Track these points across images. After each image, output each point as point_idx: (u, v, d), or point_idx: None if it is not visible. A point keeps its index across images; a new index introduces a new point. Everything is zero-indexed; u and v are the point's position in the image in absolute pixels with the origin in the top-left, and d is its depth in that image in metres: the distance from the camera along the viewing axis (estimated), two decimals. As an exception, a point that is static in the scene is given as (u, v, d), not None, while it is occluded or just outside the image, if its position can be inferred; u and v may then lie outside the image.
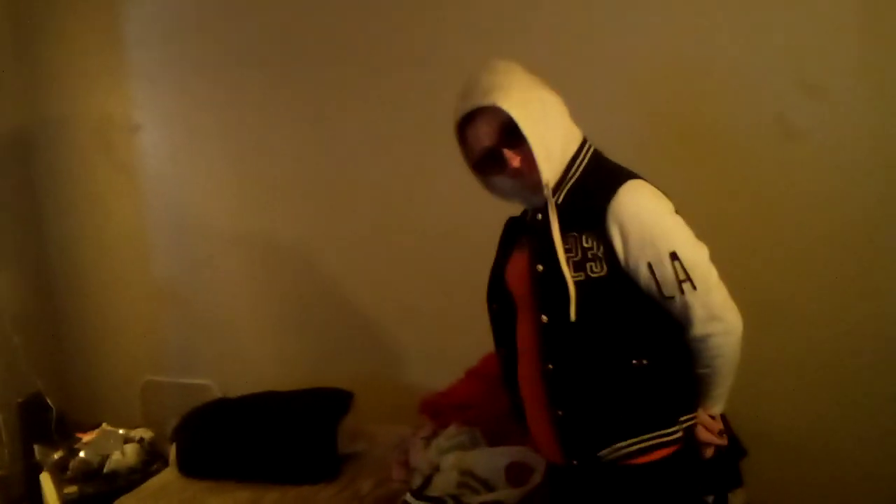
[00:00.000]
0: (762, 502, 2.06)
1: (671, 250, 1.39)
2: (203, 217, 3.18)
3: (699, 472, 1.53)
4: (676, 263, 1.39)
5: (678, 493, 1.50)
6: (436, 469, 2.08)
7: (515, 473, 2.00)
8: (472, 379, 2.39)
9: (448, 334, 2.75)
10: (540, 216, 1.48)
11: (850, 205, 2.25)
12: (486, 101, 1.44)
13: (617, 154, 1.55)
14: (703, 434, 1.50)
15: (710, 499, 1.61)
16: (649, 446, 1.44)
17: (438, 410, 2.37)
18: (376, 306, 2.94)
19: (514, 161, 1.47)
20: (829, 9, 2.19)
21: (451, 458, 2.08)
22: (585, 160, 1.50)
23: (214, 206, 3.16)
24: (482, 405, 2.26)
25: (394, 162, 2.79)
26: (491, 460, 2.05)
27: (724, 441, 1.52)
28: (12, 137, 3.42)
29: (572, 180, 1.48)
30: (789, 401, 2.32)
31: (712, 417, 1.52)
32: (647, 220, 1.41)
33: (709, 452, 1.52)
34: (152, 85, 3.18)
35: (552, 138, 1.46)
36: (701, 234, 1.53)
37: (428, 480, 2.04)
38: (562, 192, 1.47)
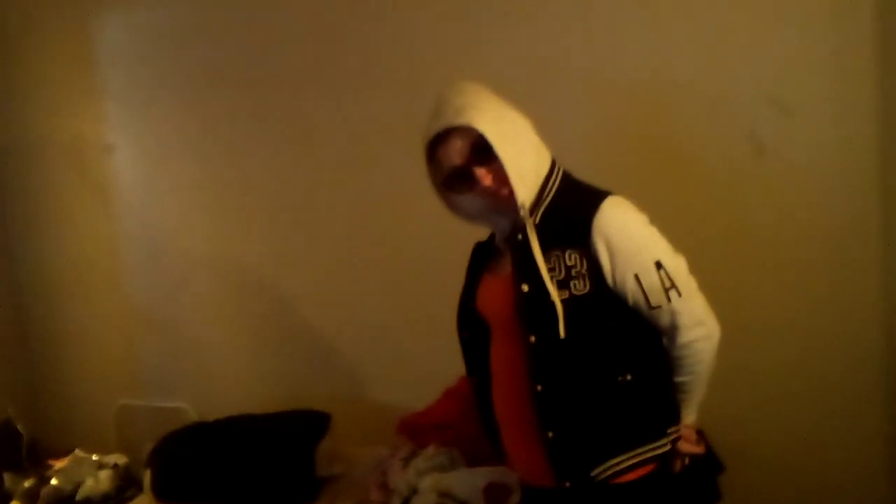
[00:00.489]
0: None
1: (656, 259, 1.43)
2: (177, 238, 3.16)
3: (678, 489, 1.53)
4: (662, 272, 1.42)
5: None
6: (414, 491, 2.07)
7: (494, 494, 1.99)
8: (451, 398, 2.38)
9: (425, 354, 2.73)
10: (520, 236, 1.48)
11: (821, 219, 2.28)
12: (460, 121, 1.45)
13: (587, 172, 1.57)
14: (683, 445, 1.50)
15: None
16: (640, 461, 1.45)
17: (416, 431, 2.36)
18: (353, 327, 2.93)
19: (486, 180, 1.47)
20: (799, 28, 2.23)
21: (429, 479, 2.08)
22: (558, 180, 1.52)
23: (188, 227, 3.14)
24: (460, 425, 2.26)
25: (368, 183, 2.79)
26: (469, 481, 2.04)
27: (702, 449, 1.54)
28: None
29: (547, 199, 1.49)
30: (767, 414, 2.33)
31: (688, 428, 1.53)
32: (633, 232, 1.44)
33: (679, 465, 1.52)
34: (125, 105, 3.17)
35: (525, 159, 1.48)
36: (675, 249, 1.55)
37: (406, 502, 2.02)
38: (538, 211, 1.48)
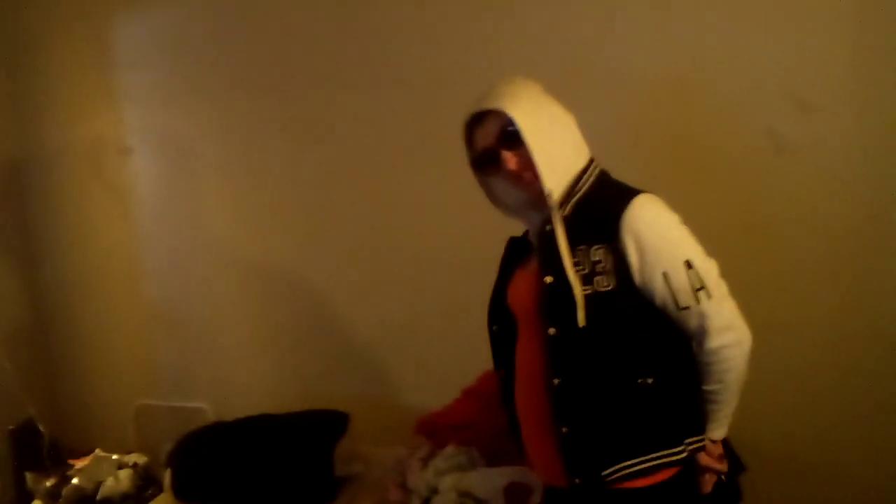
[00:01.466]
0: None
1: (686, 258, 1.41)
2: (196, 239, 3.18)
3: (698, 491, 1.52)
4: (692, 272, 1.40)
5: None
6: (434, 491, 2.07)
7: (514, 494, 1.99)
8: (470, 398, 2.38)
9: (444, 354, 2.74)
10: (547, 227, 1.48)
11: (841, 217, 2.26)
12: (494, 105, 1.47)
13: (606, 167, 1.57)
14: (704, 459, 1.49)
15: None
16: (653, 466, 1.43)
17: (435, 431, 2.35)
18: (371, 327, 2.93)
19: (511, 163, 1.49)
20: (819, 25, 2.22)
21: (449, 479, 2.07)
22: (593, 176, 1.52)
23: (207, 228, 3.15)
24: (480, 425, 2.25)
25: (388, 184, 2.80)
26: (489, 481, 2.04)
27: (724, 467, 1.52)
28: (2, 161, 3.41)
29: (579, 193, 1.49)
30: (787, 415, 2.32)
31: (713, 443, 1.51)
32: (663, 229, 1.43)
33: (709, 483, 1.51)
34: (144, 108, 3.18)
35: (556, 149, 1.48)
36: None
37: (426, 502, 2.02)
38: (568, 204, 1.48)
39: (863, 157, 2.23)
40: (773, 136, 2.27)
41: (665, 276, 1.41)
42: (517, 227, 1.69)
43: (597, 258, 1.43)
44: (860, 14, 2.19)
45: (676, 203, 1.54)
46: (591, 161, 1.54)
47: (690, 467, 1.49)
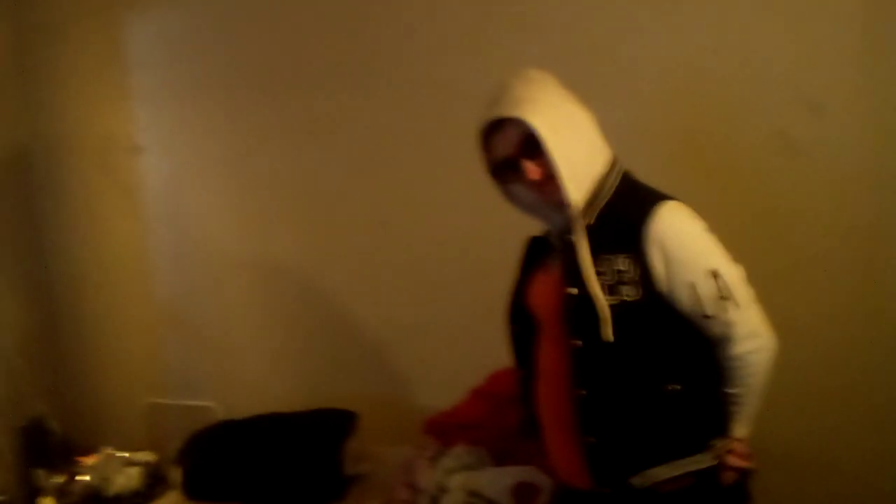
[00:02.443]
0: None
1: (713, 268, 1.40)
2: (206, 239, 3.18)
3: (709, 496, 1.52)
4: (718, 281, 1.40)
5: None
6: (442, 490, 2.07)
7: (522, 493, 1.99)
8: (478, 398, 2.38)
9: (452, 353, 2.74)
10: (571, 237, 1.46)
11: (850, 219, 2.26)
12: (513, 113, 1.44)
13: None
14: (732, 459, 1.48)
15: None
16: (682, 474, 1.43)
17: (443, 430, 2.36)
18: (379, 326, 2.93)
19: (534, 174, 1.47)
20: (829, 27, 2.21)
21: (457, 478, 2.08)
22: (617, 181, 1.49)
23: (217, 227, 3.16)
24: (488, 424, 2.26)
25: (395, 183, 2.80)
26: (498, 480, 2.04)
27: (750, 464, 1.51)
28: (13, 159, 3.42)
29: (604, 201, 1.46)
30: (795, 415, 2.31)
31: (740, 440, 1.50)
32: (689, 239, 1.42)
33: (730, 477, 1.50)
34: (154, 107, 3.19)
35: (578, 157, 1.46)
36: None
37: (434, 502, 2.03)
38: (593, 212, 1.46)
39: (873, 159, 2.22)
40: (783, 137, 2.27)
41: (692, 285, 1.40)
42: (526, 228, 1.69)
43: (622, 267, 1.41)
44: (871, 16, 2.19)
45: (687, 204, 1.54)
46: (614, 162, 1.52)
47: (711, 472, 1.48)
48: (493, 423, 2.24)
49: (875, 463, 2.30)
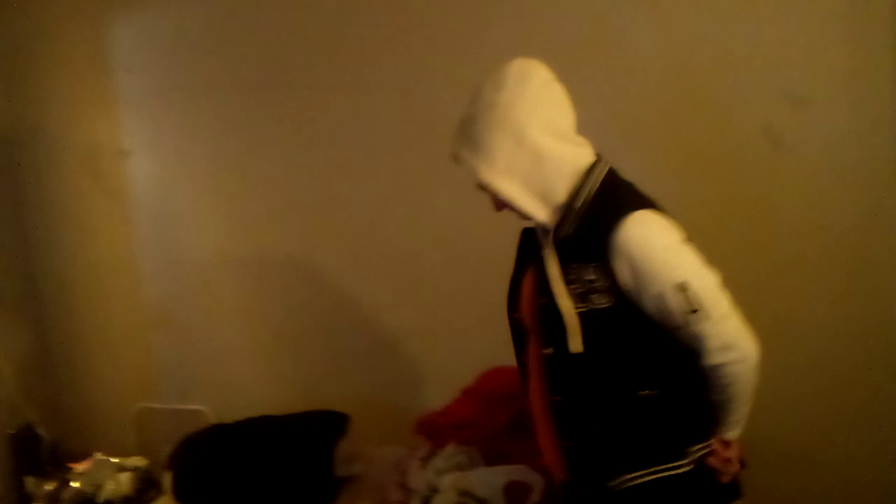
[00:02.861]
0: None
1: (680, 281, 1.37)
2: (194, 242, 3.17)
3: (700, 487, 1.52)
4: (688, 293, 1.36)
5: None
6: (434, 490, 2.07)
7: (514, 492, 1.99)
8: (469, 398, 2.38)
9: (443, 354, 2.74)
10: (543, 249, 1.48)
11: (839, 212, 2.27)
12: (458, 153, 1.48)
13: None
14: (713, 461, 1.48)
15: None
16: (658, 479, 1.44)
17: (435, 430, 2.35)
18: (370, 328, 2.93)
19: (497, 205, 1.53)
20: (815, 22, 2.22)
21: (449, 478, 2.08)
22: (595, 186, 1.46)
23: (206, 230, 3.15)
24: (479, 424, 2.26)
25: (385, 185, 2.80)
26: (489, 480, 2.04)
27: (734, 468, 1.50)
28: (0, 166, 3.40)
29: (580, 209, 1.45)
30: (786, 410, 2.31)
31: (727, 443, 1.50)
32: (654, 252, 1.39)
33: (726, 477, 1.50)
34: (140, 111, 3.18)
35: (542, 184, 1.45)
36: (705, 264, 1.54)
37: (426, 502, 2.02)
38: (565, 224, 1.45)
39: (859, 153, 2.23)
40: (769, 132, 2.27)
41: (660, 297, 1.38)
42: (512, 228, 1.69)
43: (592, 277, 1.40)
44: (856, 11, 2.20)
45: (672, 200, 1.54)
46: (593, 165, 1.49)
47: (697, 468, 1.48)
48: (483, 422, 2.24)
49: (864, 458, 2.31)
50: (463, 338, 2.66)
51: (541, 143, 1.43)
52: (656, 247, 1.39)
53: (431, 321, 2.78)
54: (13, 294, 3.41)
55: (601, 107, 2.33)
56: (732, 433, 1.50)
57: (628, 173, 1.55)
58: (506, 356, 1.66)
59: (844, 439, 2.32)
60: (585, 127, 1.55)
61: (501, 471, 2.07)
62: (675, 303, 1.37)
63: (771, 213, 2.32)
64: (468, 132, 1.47)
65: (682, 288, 1.36)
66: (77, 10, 3.22)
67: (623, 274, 1.39)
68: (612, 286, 1.40)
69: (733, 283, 1.66)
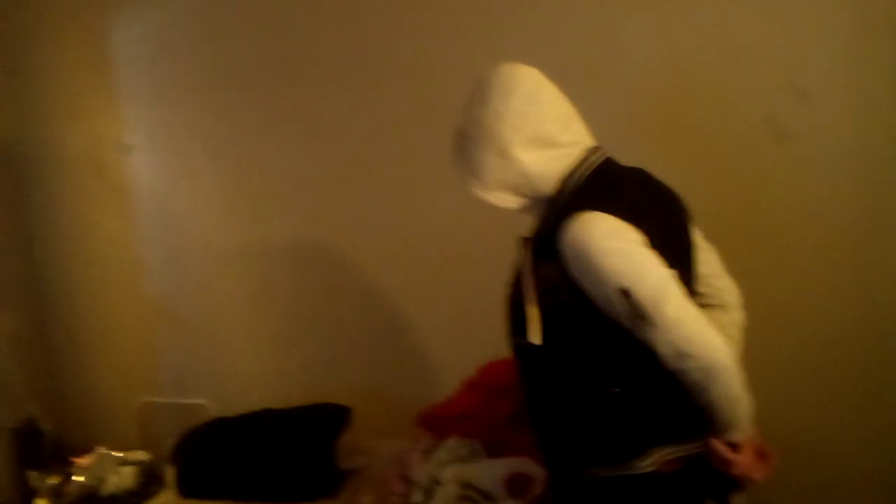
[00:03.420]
0: (764, 504, 2.06)
1: (622, 287, 1.33)
2: (196, 236, 3.17)
3: (700, 477, 1.52)
4: (630, 299, 1.33)
5: (680, 498, 1.50)
6: (436, 482, 2.07)
7: (516, 484, 1.99)
8: (470, 390, 2.38)
9: (445, 346, 2.75)
10: (524, 244, 1.52)
11: (840, 206, 2.27)
12: (456, 169, 1.53)
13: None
14: (713, 462, 1.47)
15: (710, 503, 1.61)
16: (621, 476, 1.44)
17: (436, 423, 2.36)
18: (371, 321, 2.93)
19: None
20: (818, 14, 2.22)
21: (451, 470, 2.08)
22: (578, 181, 1.47)
23: (207, 224, 3.15)
24: (481, 416, 2.26)
25: (387, 173, 2.80)
26: (491, 472, 2.04)
27: (733, 470, 1.47)
28: (1, 160, 3.40)
29: (554, 207, 1.47)
30: (788, 401, 2.31)
31: (734, 444, 1.45)
32: (593, 257, 1.35)
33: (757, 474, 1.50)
34: (142, 105, 3.17)
35: (534, 192, 1.49)
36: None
37: (428, 494, 2.03)
38: (541, 221, 1.50)
39: (861, 145, 2.23)
40: (772, 123, 2.27)
41: (605, 300, 1.37)
42: (516, 221, 1.68)
43: (553, 273, 1.42)
44: (859, 2, 2.19)
45: (678, 189, 1.54)
46: (583, 160, 1.49)
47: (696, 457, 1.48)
48: (485, 414, 2.24)
49: (865, 451, 2.31)
50: (465, 330, 2.66)
51: (525, 159, 1.45)
52: (596, 250, 1.35)
53: (433, 313, 2.78)
54: (15, 288, 3.42)
55: (603, 98, 2.32)
56: (734, 434, 1.44)
57: (628, 163, 1.55)
58: (508, 348, 1.66)
59: (846, 432, 2.32)
60: (587, 119, 1.55)
61: (503, 463, 2.07)
62: (620, 306, 1.35)
63: (773, 204, 2.32)
64: (459, 146, 1.53)
65: (625, 293, 1.33)
66: (79, 3, 3.22)
67: (572, 273, 1.39)
68: (570, 283, 1.40)
69: (734, 274, 1.66)
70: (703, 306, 1.52)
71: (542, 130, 1.46)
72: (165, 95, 3.13)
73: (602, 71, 2.38)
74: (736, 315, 1.63)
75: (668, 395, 1.42)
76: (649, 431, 1.46)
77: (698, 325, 1.36)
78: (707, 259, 1.61)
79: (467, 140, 1.50)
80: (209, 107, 3.04)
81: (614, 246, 1.36)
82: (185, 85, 3.08)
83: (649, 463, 1.43)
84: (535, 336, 1.42)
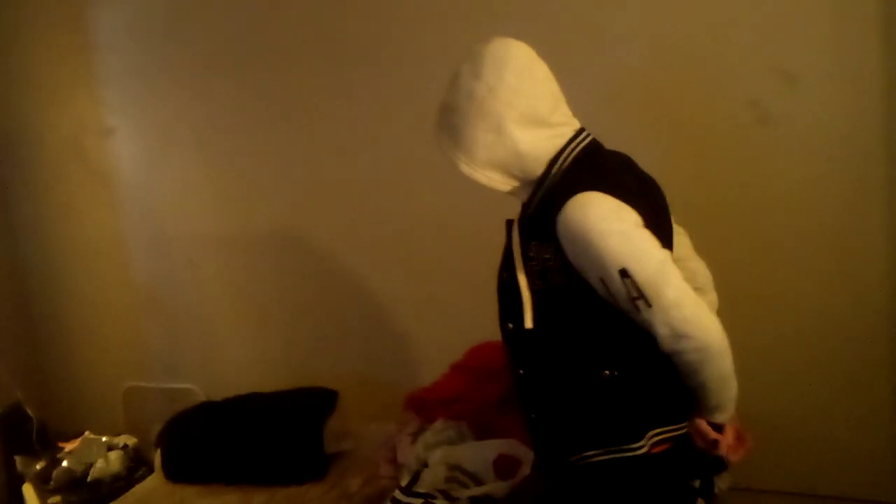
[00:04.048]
0: (747, 485, 2.08)
1: (620, 267, 1.31)
2: (181, 220, 3.16)
3: (685, 458, 1.54)
4: (627, 281, 1.31)
5: (665, 479, 1.51)
6: (424, 465, 2.08)
7: (503, 466, 2.00)
8: (457, 373, 2.39)
9: (431, 329, 2.75)
10: (510, 224, 1.51)
11: (825, 187, 2.28)
12: (442, 146, 1.45)
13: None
14: (698, 442, 1.49)
15: (696, 483, 1.62)
16: (615, 458, 1.44)
17: (424, 406, 2.36)
18: (359, 304, 2.93)
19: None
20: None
21: (438, 453, 2.08)
22: (564, 164, 1.43)
23: (192, 208, 3.13)
24: (468, 399, 2.26)
25: (373, 162, 2.79)
26: (478, 454, 2.05)
27: (717, 451, 1.48)
28: (-17, 146, 3.37)
29: (544, 189, 1.43)
30: (772, 384, 2.34)
31: (718, 425, 1.46)
32: (594, 236, 1.33)
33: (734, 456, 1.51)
34: (124, 90, 3.14)
35: (524, 171, 1.44)
36: (677, 221, 1.54)
37: (416, 476, 2.03)
38: (531, 203, 1.45)
39: (846, 128, 2.24)
40: (757, 107, 2.27)
41: (602, 282, 1.35)
42: (504, 205, 1.68)
43: (547, 255, 1.40)
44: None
45: (659, 175, 1.54)
46: (566, 145, 1.45)
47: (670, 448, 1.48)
48: (472, 397, 2.25)
49: (850, 434, 2.33)
50: (452, 314, 2.67)
51: (518, 135, 1.41)
52: (595, 231, 1.33)
53: (420, 297, 2.78)
54: (0, 275, 3.39)
55: (588, 80, 2.32)
56: (719, 416, 1.45)
57: (613, 147, 1.54)
58: (494, 331, 1.67)
59: (828, 414, 2.35)
60: (572, 101, 1.54)
61: (491, 445, 2.08)
62: (617, 288, 1.33)
63: (757, 188, 2.32)
64: (448, 121, 1.44)
65: (623, 275, 1.31)
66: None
67: (569, 255, 1.37)
68: (565, 266, 1.38)
69: (719, 259, 1.67)
70: None
71: (534, 108, 1.42)
72: (147, 79, 3.10)
73: (587, 54, 2.37)
74: (710, 296, 1.64)
75: (661, 377, 1.43)
76: (642, 414, 1.46)
77: (696, 306, 1.35)
78: (679, 242, 1.60)
79: (456, 114, 1.42)
80: (192, 90, 3.02)
81: (613, 227, 1.34)
82: (167, 68, 3.06)
83: (641, 445, 1.44)
84: (527, 319, 1.41)
